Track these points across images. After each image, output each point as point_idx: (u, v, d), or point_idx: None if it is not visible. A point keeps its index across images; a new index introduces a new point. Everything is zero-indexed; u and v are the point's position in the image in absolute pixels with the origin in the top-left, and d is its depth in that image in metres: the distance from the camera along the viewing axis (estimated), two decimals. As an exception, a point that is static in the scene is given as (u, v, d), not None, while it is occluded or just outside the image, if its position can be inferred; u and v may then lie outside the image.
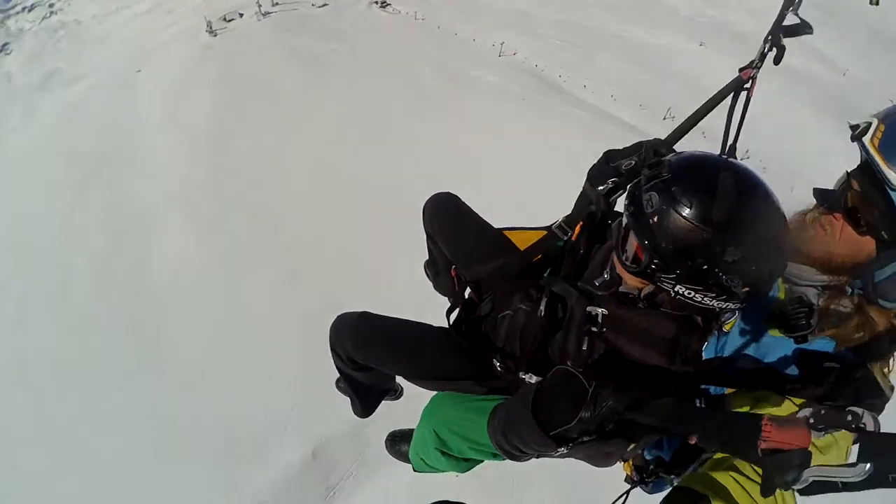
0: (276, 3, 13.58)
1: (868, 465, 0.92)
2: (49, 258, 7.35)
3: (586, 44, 10.42)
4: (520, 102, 8.38)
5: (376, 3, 13.21)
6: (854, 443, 1.32)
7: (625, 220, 1.49)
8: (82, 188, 8.36)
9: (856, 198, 1.41)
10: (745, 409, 1.43)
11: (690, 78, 8.55)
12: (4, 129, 10.69)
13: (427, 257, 2.86)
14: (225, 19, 13.76)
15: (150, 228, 7.09)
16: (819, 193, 1.55)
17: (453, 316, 2.23)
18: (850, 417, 1.14)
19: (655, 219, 1.35)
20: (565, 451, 1.43)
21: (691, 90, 8.30)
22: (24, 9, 15.68)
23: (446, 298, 2.70)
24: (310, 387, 4.58)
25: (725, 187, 1.28)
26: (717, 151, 1.78)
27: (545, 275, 2.05)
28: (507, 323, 2.02)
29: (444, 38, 11.13)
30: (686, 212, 1.32)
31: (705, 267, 1.32)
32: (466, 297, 2.28)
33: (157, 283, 6.35)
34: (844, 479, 0.96)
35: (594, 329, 1.63)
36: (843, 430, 1.18)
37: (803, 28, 1.89)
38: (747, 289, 1.34)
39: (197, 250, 6.55)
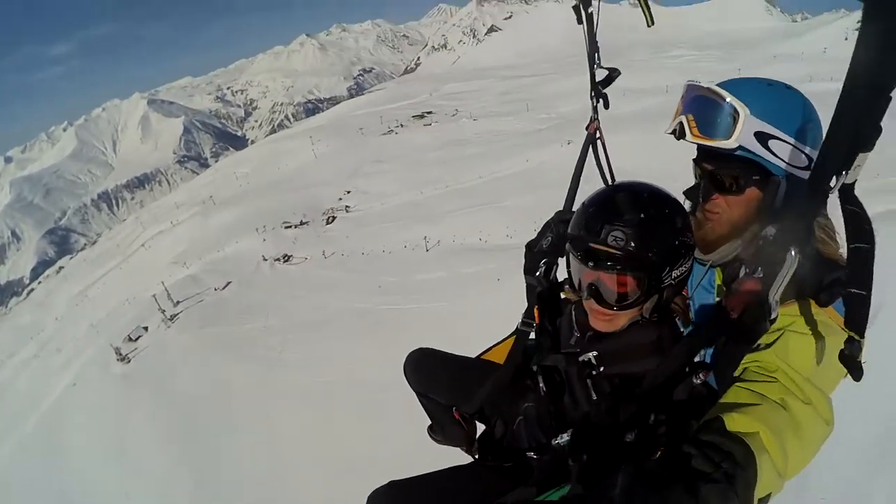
0: (178, 302, 13.24)
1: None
2: None
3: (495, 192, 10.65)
4: (497, 284, 8.04)
5: (278, 259, 13.17)
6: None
7: (605, 273, 1.73)
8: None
9: (714, 173, 1.81)
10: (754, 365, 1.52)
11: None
12: None
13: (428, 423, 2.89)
14: (131, 339, 13.16)
15: None
16: (688, 195, 1.91)
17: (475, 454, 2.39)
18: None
19: (633, 244, 1.64)
20: None
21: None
22: None
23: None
24: None
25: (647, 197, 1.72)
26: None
27: (532, 363, 2.20)
28: (523, 425, 2.16)
29: (370, 261, 11.10)
30: (633, 219, 1.66)
31: (676, 242, 1.69)
32: (478, 434, 2.43)
33: None
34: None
35: (594, 372, 1.85)
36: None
37: (614, 74, 2.44)
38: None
39: None
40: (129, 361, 11.16)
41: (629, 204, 1.70)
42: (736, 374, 1.52)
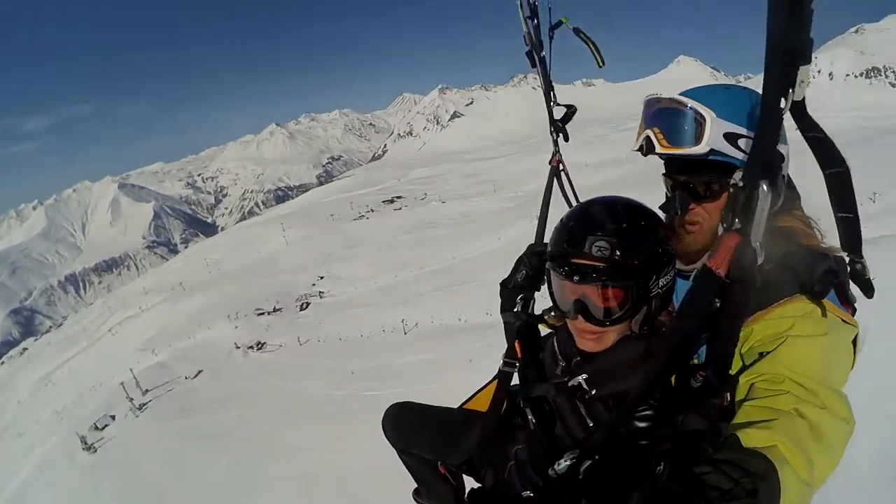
0: (147, 391, 12.99)
1: None
2: None
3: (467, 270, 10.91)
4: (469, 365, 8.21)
5: (252, 347, 13.08)
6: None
7: (592, 286, 1.67)
8: None
9: (687, 183, 1.83)
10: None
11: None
12: None
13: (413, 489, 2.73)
14: (97, 427, 12.72)
15: None
16: (663, 209, 1.88)
17: None
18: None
19: (618, 254, 1.58)
20: None
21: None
22: None
23: None
24: None
25: (633, 210, 1.71)
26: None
27: (518, 399, 2.14)
28: (515, 469, 2.07)
29: (347, 346, 11.17)
30: (612, 231, 1.62)
31: (659, 250, 1.65)
32: (468, 491, 2.31)
33: None
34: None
35: (585, 396, 1.75)
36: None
37: (571, 110, 2.60)
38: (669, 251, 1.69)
39: None
40: (96, 451, 10.65)
41: (609, 215, 1.68)
42: (743, 393, 1.49)
